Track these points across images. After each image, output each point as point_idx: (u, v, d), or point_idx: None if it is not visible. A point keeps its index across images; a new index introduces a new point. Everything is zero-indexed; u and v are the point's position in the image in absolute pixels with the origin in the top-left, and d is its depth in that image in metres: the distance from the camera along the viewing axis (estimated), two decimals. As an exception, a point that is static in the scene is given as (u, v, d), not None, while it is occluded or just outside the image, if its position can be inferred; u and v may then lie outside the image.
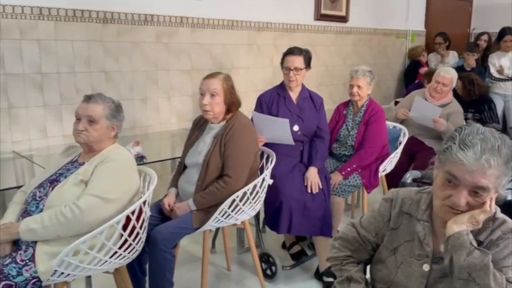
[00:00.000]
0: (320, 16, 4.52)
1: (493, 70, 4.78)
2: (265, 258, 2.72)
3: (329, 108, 3.74)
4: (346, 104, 3.17)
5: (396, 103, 4.52)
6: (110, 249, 1.76)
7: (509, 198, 1.81)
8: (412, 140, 3.52)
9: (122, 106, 2.05)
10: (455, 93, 4.15)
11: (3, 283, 1.55)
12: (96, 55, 3.06)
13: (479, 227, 1.12)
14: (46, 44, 2.83)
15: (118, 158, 1.89)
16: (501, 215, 1.16)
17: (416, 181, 1.60)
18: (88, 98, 1.93)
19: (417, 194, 1.26)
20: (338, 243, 1.35)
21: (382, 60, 5.46)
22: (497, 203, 1.15)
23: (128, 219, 1.80)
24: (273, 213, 2.59)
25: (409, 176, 1.57)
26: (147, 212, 1.91)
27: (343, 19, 4.78)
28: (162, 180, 3.32)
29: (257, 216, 2.80)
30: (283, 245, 3.06)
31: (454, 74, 3.58)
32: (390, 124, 3.46)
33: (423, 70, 5.20)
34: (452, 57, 5.51)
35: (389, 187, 3.37)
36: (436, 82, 3.53)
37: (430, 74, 4.38)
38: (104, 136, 1.93)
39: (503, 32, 4.80)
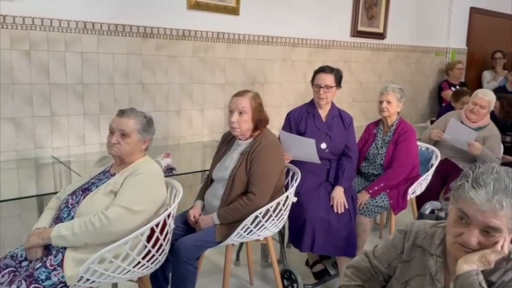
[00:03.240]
0: (356, 33, 4.50)
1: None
2: (287, 274, 2.73)
3: (361, 125, 3.73)
4: (376, 123, 3.16)
5: (432, 122, 4.42)
6: (134, 259, 1.83)
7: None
8: (445, 163, 3.44)
9: (157, 117, 2.15)
10: (493, 115, 4.03)
11: (32, 285, 1.66)
12: (135, 67, 3.20)
13: (491, 267, 1.10)
14: (89, 56, 2.99)
15: (147, 171, 1.97)
16: (516, 256, 1.13)
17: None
18: (121, 113, 2.03)
19: (431, 228, 1.25)
20: (350, 272, 1.35)
21: (420, 78, 5.36)
22: (512, 243, 1.13)
23: (152, 231, 1.87)
24: (297, 231, 2.61)
25: (428, 207, 1.55)
26: (171, 225, 1.98)
27: (380, 36, 4.74)
28: (192, 190, 3.42)
29: (281, 232, 2.82)
30: (307, 263, 3.05)
31: (492, 97, 3.47)
32: (422, 145, 3.40)
33: (445, 93, 5.10)
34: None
35: (419, 210, 3.30)
36: (473, 104, 3.44)
37: (458, 94, 4.29)
38: (135, 149, 2.02)
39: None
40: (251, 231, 2.27)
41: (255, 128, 2.37)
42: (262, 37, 3.85)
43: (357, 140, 3.14)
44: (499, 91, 4.63)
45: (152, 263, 1.94)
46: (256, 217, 2.23)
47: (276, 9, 3.87)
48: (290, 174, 2.61)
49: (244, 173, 2.29)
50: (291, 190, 2.40)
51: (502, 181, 1.05)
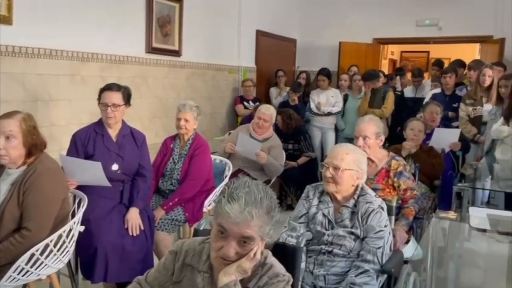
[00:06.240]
0: (151, 49, 4.49)
1: (312, 106, 5.33)
2: (80, 311, 2.50)
3: (161, 141, 3.71)
4: (173, 138, 3.20)
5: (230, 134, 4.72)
6: None
7: (311, 233, 1.99)
8: (238, 173, 3.70)
9: None
10: (277, 128, 4.55)
11: None
12: None
13: (248, 275, 1.18)
14: None
15: None
16: (270, 260, 1.25)
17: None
18: None
19: (200, 245, 1.29)
20: (123, 303, 1.29)
21: (217, 94, 5.68)
22: (267, 248, 1.24)
23: None
24: (88, 261, 2.42)
25: (203, 222, 1.61)
26: None
27: (176, 53, 4.84)
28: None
29: (70, 264, 2.56)
30: (106, 293, 2.85)
31: (273, 111, 3.92)
32: (216, 158, 3.58)
33: (236, 107, 5.62)
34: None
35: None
36: (258, 118, 3.81)
37: (255, 109, 4.73)
38: None
39: (319, 72, 5.47)
40: (28, 271, 1.99)
41: (29, 154, 2.11)
42: (44, 50, 3.47)
43: (156, 157, 3.13)
44: (284, 105, 5.26)
45: None
46: (33, 255, 1.97)
47: (59, 21, 3.55)
48: (77, 200, 2.40)
49: (16, 207, 2.01)
50: (76, 219, 2.21)
51: (252, 193, 1.15)
